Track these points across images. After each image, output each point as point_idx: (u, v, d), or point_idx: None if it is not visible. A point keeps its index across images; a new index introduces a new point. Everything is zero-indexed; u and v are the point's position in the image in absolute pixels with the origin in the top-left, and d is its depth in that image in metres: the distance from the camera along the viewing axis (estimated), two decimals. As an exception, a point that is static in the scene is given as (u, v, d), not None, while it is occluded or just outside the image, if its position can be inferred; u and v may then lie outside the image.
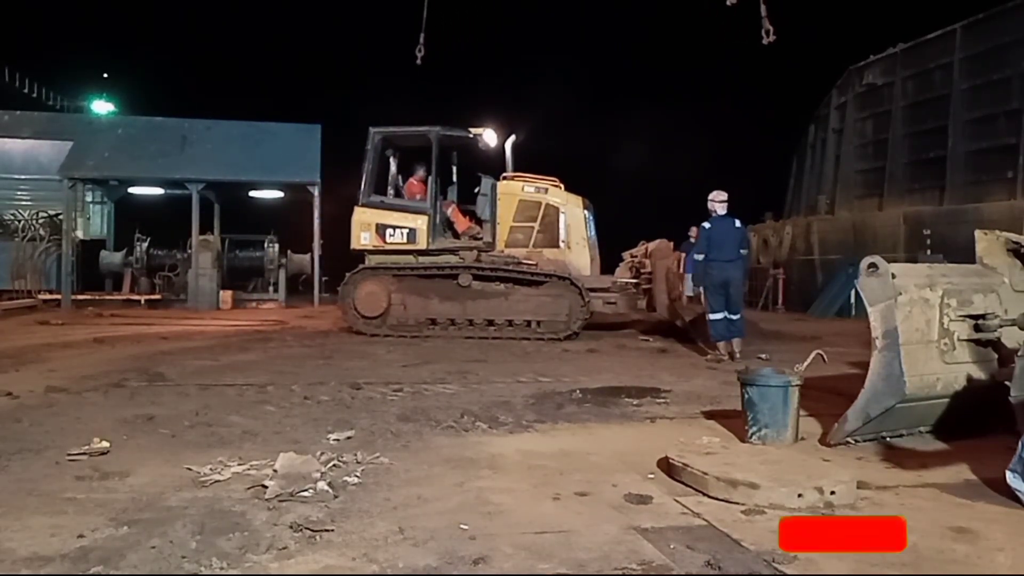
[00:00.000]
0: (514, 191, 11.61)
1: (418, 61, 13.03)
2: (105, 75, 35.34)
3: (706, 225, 8.92)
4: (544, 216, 11.46)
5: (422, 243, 11.46)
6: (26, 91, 28.00)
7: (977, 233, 5.03)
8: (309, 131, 19.79)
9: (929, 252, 14.37)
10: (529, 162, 12.51)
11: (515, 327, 11.01)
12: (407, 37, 13.11)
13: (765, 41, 10.75)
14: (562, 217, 11.46)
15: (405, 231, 11.48)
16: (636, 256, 11.58)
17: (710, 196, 9.03)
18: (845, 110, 19.86)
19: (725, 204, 8.97)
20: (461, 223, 12.06)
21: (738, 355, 8.78)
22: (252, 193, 21.10)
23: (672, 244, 11.58)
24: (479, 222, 11.84)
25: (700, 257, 8.94)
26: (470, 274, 11.13)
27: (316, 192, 18.88)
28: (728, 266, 8.79)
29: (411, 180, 12.21)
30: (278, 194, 21.04)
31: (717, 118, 25.82)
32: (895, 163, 17.80)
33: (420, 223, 11.48)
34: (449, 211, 12.11)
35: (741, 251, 8.98)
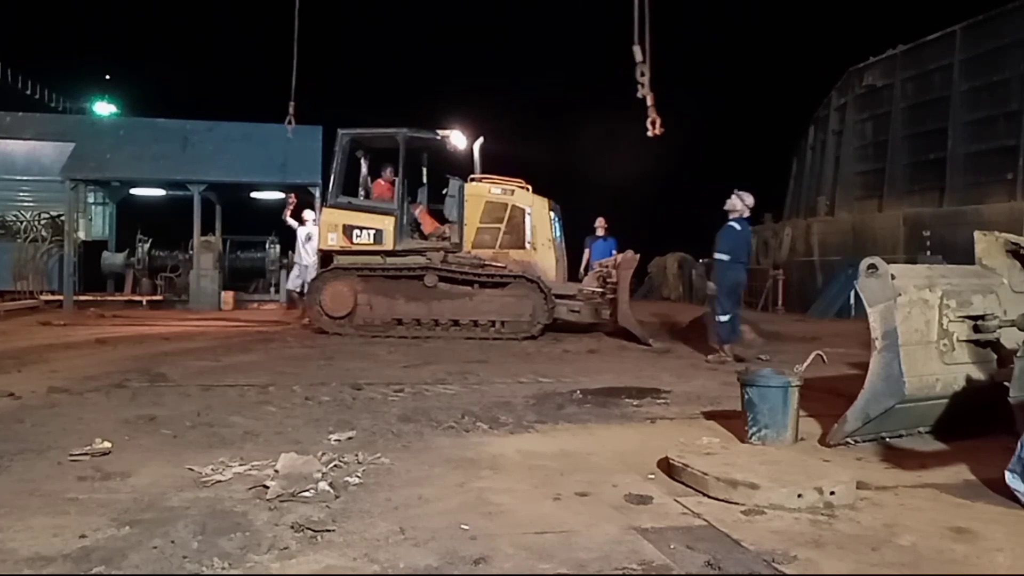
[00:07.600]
0: (481, 193, 11.66)
1: (289, 134, 13.42)
2: (107, 77, 35.41)
3: (736, 227, 8.89)
4: (510, 218, 11.52)
5: (388, 244, 11.48)
6: (28, 92, 27.96)
7: (976, 234, 5.04)
8: (310, 132, 19.72)
9: (929, 253, 14.35)
10: (522, 166, 12.56)
11: (480, 327, 11.08)
12: (408, 39, 13.23)
13: (650, 133, 10.85)
14: (528, 219, 11.52)
15: (372, 232, 11.49)
16: (606, 267, 11.63)
17: (740, 195, 8.90)
18: (845, 112, 19.83)
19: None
20: (429, 224, 12.11)
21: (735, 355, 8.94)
22: (253, 194, 21.08)
23: (638, 257, 11.59)
24: (448, 223, 11.87)
25: (726, 258, 8.86)
26: (436, 275, 11.19)
27: (317, 193, 18.88)
28: (743, 268, 9.03)
29: (378, 181, 12.27)
30: (280, 195, 21.03)
31: (716, 119, 25.82)
32: (895, 164, 17.78)
33: (387, 224, 11.50)
34: (417, 212, 12.16)
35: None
